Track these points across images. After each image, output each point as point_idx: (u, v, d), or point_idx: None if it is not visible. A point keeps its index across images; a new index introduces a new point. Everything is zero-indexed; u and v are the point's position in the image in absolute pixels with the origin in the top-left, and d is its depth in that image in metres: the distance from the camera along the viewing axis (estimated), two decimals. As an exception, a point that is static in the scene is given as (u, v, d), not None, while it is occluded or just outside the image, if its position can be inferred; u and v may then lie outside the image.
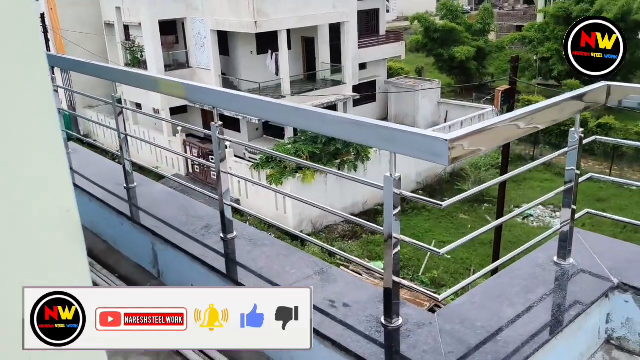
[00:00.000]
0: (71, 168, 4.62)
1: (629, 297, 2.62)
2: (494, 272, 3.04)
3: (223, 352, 2.90)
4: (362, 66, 30.52)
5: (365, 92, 30.36)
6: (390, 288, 2.33)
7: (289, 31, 25.51)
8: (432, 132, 2.00)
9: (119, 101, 3.87)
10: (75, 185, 4.27)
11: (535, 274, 2.75)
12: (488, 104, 32.76)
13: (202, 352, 2.90)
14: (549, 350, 2.31)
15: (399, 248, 2.28)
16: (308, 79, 28.71)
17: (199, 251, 3.12)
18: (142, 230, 3.52)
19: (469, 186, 25.50)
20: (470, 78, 38.56)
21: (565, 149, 2.66)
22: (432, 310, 13.13)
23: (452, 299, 2.61)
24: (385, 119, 32.19)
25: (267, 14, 23.82)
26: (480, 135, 2.06)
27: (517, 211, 2.84)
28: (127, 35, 28.50)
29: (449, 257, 20.13)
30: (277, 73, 25.83)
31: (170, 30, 27.18)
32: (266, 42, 25.96)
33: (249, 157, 25.77)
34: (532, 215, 24.64)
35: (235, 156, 25.03)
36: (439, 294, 2.34)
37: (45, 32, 29.43)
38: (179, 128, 26.07)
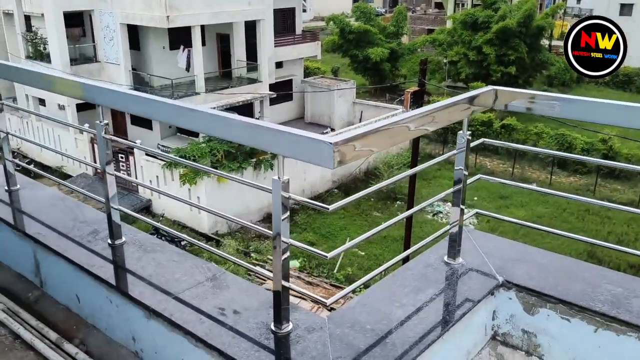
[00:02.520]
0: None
1: (512, 294, 2.71)
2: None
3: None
4: (279, 65, 30.45)
5: (281, 91, 30.30)
6: (280, 293, 2.27)
7: (203, 27, 24.98)
8: (317, 135, 1.96)
9: (-1, 97, 3.57)
10: (-52, 188, 3.91)
11: (426, 274, 2.79)
12: (400, 104, 33.69)
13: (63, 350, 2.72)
14: (436, 349, 2.34)
15: (288, 252, 2.23)
16: (223, 77, 28.27)
17: (84, 259, 2.93)
18: (22, 236, 3.26)
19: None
20: (383, 79, 39.48)
21: (454, 151, 2.71)
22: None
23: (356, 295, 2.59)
24: (302, 118, 32.32)
25: (180, 9, 23.21)
26: (367, 138, 2.04)
27: (415, 209, 2.86)
28: (29, 26, 26.83)
29: (363, 253, 20.52)
30: (187, 69, 25.23)
31: (77, 22, 25.87)
32: (180, 37, 25.28)
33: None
34: (441, 212, 25.54)
35: (147, 155, 24.22)
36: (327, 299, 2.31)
37: None
38: (86, 124, 24.83)
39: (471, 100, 2.63)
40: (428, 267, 2.83)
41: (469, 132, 2.66)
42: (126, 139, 26.64)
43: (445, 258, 2.87)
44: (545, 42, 38.88)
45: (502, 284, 2.72)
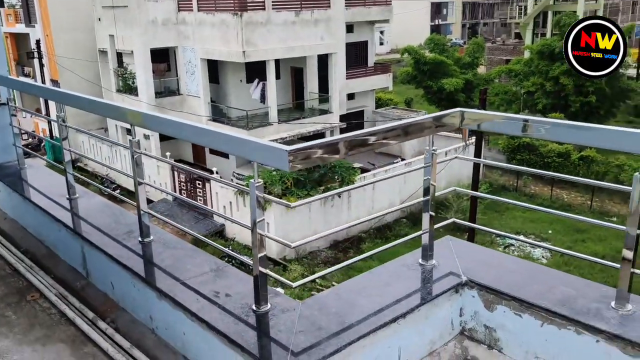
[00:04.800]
0: (26, 181, 5.05)
1: (475, 293, 3.02)
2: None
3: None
4: (351, 96, 31.23)
5: (354, 121, 30.97)
6: (258, 279, 2.74)
7: (277, 61, 26.20)
8: (276, 144, 2.43)
9: (64, 120, 4.30)
10: (24, 196, 4.69)
11: (399, 272, 3.16)
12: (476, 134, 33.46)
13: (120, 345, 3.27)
14: (391, 332, 2.71)
15: (265, 243, 2.69)
16: (297, 108, 29.34)
17: (119, 253, 3.52)
18: (74, 235, 3.92)
19: (452, 214, 25.99)
20: (458, 109, 39.26)
21: (423, 165, 3.09)
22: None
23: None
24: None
25: (256, 44, 24.53)
26: (321, 149, 2.49)
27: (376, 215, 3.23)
28: (120, 62, 29.20)
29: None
30: (262, 101, 26.45)
31: (162, 57, 27.89)
32: (255, 71, 26.64)
33: (236, 183, 26.22)
34: (513, 245, 25.06)
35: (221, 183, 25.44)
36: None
37: (40, 57, 30.11)
38: (168, 153, 26.55)
39: (437, 119, 3.02)
40: (402, 267, 3.20)
41: (434, 148, 3.03)
42: (199, 166, 28.10)
43: (420, 260, 3.23)
44: (624, 70, 37.37)
45: (465, 283, 3.03)
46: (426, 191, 3.09)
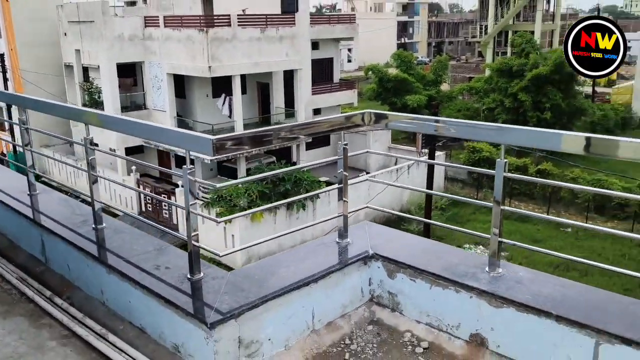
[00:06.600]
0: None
1: (380, 264, 3.56)
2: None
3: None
4: (317, 111, 31.89)
5: (319, 137, 31.60)
6: (191, 252, 3.23)
7: (243, 76, 26.75)
8: (203, 134, 2.95)
9: (24, 123, 4.73)
10: (-10, 195, 5.08)
11: (316, 249, 3.69)
12: (439, 149, 34.47)
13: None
14: (304, 294, 3.23)
15: (196, 220, 3.19)
16: (263, 122, 29.86)
17: (74, 238, 3.96)
18: (35, 225, 4.35)
19: (414, 226, 26.72)
20: (421, 125, 40.28)
21: (336, 157, 3.63)
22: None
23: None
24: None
25: (221, 60, 25.06)
26: (241, 140, 3.02)
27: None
28: (86, 77, 29.36)
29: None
30: (230, 115, 26.90)
31: (129, 72, 28.17)
32: (222, 86, 27.13)
33: (202, 197, 26.49)
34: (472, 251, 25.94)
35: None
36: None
37: (4, 71, 30.06)
38: (133, 167, 26.71)
39: (348, 118, 3.57)
40: (320, 245, 3.73)
41: (345, 142, 3.58)
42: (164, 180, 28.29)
43: (336, 239, 3.76)
44: (581, 88, 38.93)
45: (372, 256, 3.57)
46: (340, 181, 3.63)
